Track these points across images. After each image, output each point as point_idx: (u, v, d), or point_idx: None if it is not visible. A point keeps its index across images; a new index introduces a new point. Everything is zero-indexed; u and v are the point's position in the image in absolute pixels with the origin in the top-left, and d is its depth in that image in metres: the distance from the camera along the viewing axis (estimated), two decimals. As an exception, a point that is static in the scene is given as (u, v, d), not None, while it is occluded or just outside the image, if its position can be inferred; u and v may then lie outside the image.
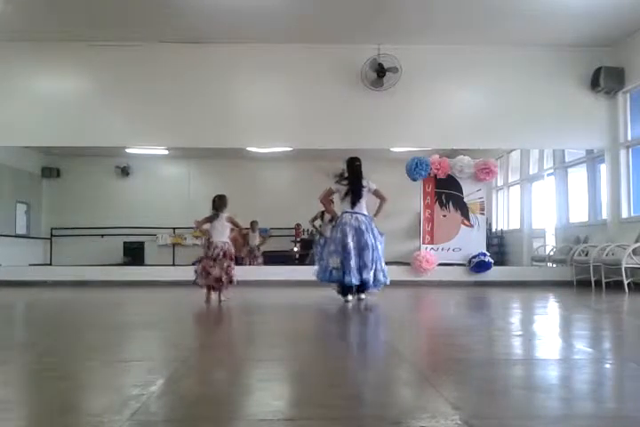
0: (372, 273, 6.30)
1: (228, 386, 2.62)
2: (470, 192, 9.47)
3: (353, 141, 9.71)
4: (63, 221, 14.92)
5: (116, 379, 2.82)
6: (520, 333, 4.62)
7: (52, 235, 15.11)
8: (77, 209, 14.96)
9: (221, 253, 6.43)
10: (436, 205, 9.48)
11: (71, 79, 9.87)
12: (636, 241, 8.29)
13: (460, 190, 9.46)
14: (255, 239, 12.78)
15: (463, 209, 9.48)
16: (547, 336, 4.37)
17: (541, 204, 12.34)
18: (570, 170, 11.30)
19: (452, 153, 10.26)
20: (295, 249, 14.82)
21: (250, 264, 12.09)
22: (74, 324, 5.02)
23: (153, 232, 15.28)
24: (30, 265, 12.51)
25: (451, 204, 9.49)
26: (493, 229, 13.63)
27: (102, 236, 14.96)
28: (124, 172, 15.75)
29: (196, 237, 15.13)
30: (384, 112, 9.51)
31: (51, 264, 14.32)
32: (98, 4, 8.17)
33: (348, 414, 2.14)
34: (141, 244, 15.37)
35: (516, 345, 3.97)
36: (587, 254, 9.09)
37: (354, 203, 6.46)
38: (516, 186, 13.41)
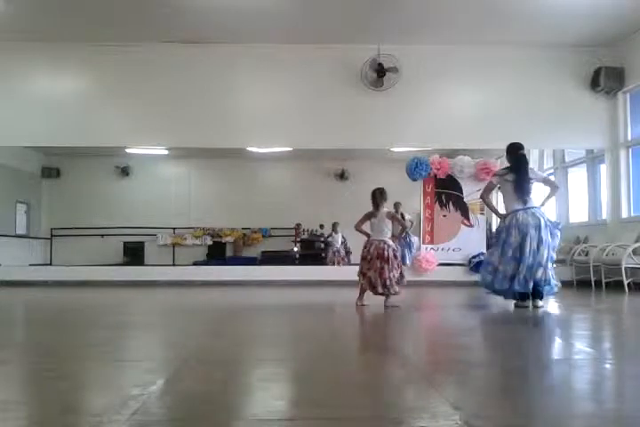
0: (545, 273, 5.55)
1: (228, 386, 2.62)
2: (470, 192, 9.45)
3: (353, 141, 9.74)
4: (63, 221, 14.91)
5: (116, 379, 2.82)
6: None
7: (52, 235, 15.11)
8: (77, 209, 14.96)
9: (375, 254, 5.87)
10: (436, 205, 9.47)
11: (71, 79, 9.87)
12: (636, 241, 8.29)
13: (460, 190, 9.45)
14: (338, 241, 13.21)
15: (463, 209, 9.47)
16: (546, 336, 4.36)
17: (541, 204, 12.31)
18: (570, 170, 11.30)
19: (452, 153, 10.25)
20: (295, 249, 14.83)
21: (337, 264, 12.73)
22: (74, 324, 5.01)
23: (153, 232, 15.28)
24: (30, 265, 12.52)
25: (451, 204, 9.48)
26: (493, 229, 13.60)
27: (102, 236, 14.96)
28: (124, 172, 15.76)
29: (197, 237, 15.15)
30: (384, 112, 9.51)
31: (51, 264, 14.33)
32: (98, 4, 8.17)
33: (349, 415, 2.14)
34: (141, 244, 15.38)
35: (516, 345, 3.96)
36: (587, 254, 9.08)
37: (524, 197, 5.71)
38: (515, 186, 13.38)
